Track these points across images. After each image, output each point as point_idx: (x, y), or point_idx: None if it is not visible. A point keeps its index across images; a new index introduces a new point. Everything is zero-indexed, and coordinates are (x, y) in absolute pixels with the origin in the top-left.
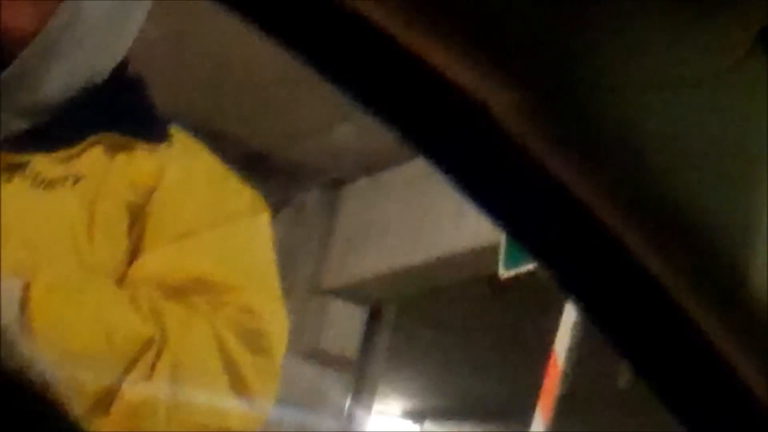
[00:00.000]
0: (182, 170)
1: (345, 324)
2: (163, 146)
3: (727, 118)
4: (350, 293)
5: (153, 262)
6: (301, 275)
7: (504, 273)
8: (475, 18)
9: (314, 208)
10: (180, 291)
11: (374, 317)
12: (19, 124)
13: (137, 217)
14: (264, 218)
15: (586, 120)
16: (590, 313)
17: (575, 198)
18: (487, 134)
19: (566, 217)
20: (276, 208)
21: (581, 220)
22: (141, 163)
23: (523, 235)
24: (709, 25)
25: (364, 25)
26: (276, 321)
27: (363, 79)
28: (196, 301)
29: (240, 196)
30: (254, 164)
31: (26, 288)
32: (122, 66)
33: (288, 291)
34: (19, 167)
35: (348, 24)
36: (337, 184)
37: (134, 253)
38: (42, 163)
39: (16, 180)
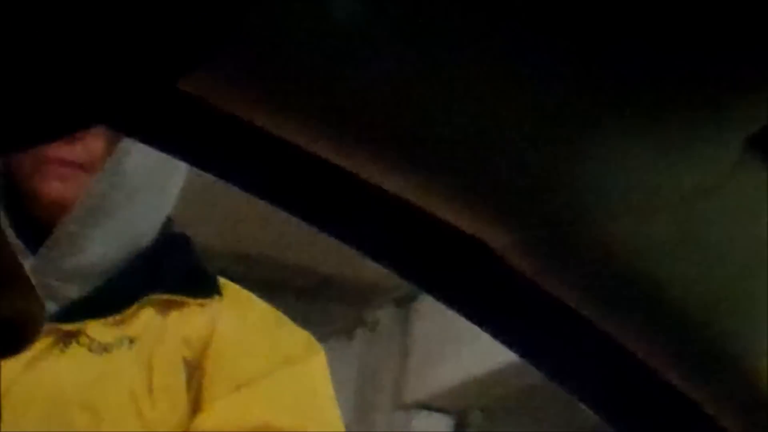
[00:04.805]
0: (234, 321)
1: None
2: (213, 300)
3: (725, 227)
4: (434, 404)
5: (215, 415)
6: (383, 392)
7: None
8: (470, 167)
9: (388, 325)
10: None
11: (461, 425)
12: (70, 292)
13: (195, 372)
14: (320, 358)
15: (582, 250)
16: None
17: (585, 321)
18: (491, 271)
19: (579, 340)
20: (350, 329)
21: (598, 344)
22: (193, 319)
23: (546, 365)
24: (696, 139)
25: (382, 196)
26: None
27: (374, 236)
28: None
29: (293, 340)
30: (325, 289)
31: None
32: (167, 224)
33: (371, 408)
34: (74, 335)
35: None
36: (407, 299)
37: (195, 407)
38: (95, 329)
39: (73, 347)
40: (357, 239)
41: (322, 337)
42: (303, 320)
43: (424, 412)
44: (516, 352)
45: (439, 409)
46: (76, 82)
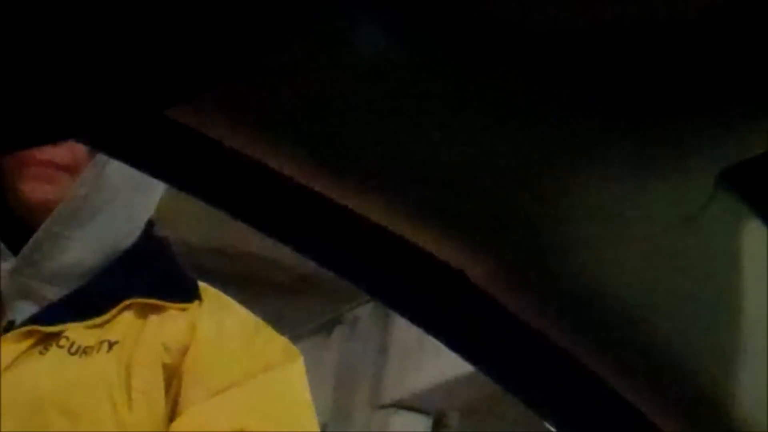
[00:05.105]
0: (214, 326)
1: None
2: (193, 305)
3: (698, 259)
4: (412, 404)
5: (193, 420)
6: (361, 390)
7: None
8: (452, 200)
9: (368, 323)
10: None
11: (438, 425)
12: (51, 293)
13: (173, 377)
14: (298, 365)
15: (558, 281)
16: None
17: (561, 350)
18: (468, 299)
19: (554, 369)
20: (330, 327)
21: (569, 370)
22: (173, 323)
23: (516, 388)
24: (670, 175)
25: (363, 224)
26: None
27: (354, 262)
28: None
29: (272, 346)
30: (304, 286)
31: None
32: (149, 227)
33: (350, 407)
34: (54, 337)
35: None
36: None
37: (173, 411)
38: (75, 332)
39: (52, 350)
40: (337, 264)
41: (300, 335)
42: (282, 317)
43: (402, 412)
44: (491, 377)
45: (416, 409)
46: (70, 96)
